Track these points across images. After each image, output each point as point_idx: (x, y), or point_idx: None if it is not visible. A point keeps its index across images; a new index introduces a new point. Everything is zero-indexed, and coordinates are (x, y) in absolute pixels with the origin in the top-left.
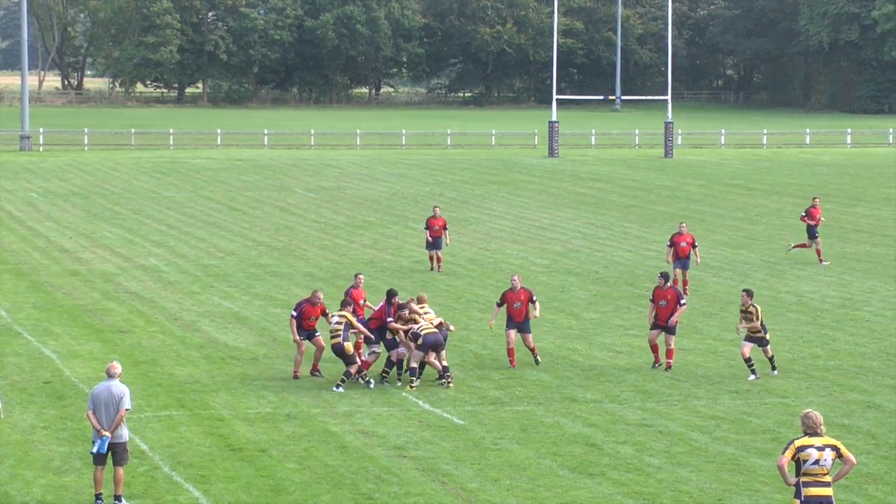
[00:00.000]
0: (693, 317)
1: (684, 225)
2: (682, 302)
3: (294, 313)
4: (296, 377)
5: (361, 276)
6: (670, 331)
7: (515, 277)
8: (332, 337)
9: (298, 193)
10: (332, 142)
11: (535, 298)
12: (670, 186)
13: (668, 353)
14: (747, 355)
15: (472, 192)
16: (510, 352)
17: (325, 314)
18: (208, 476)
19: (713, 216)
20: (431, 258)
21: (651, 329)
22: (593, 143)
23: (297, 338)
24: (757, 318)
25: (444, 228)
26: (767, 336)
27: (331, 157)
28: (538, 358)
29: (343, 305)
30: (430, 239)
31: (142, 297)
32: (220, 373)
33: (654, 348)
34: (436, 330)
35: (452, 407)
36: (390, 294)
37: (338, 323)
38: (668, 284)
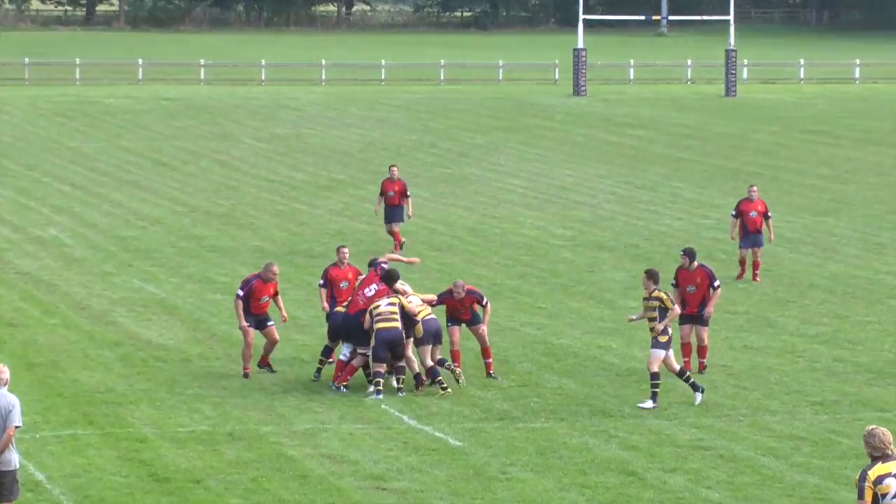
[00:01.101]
0: (764, 306)
1: (755, 189)
2: (716, 285)
3: (240, 292)
4: (246, 375)
5: (346, 249)
6: (702, 322)
7: (459, 283)
8: (384, 320)
9: (245, 143)
10: (288, 76)
11: (485, 302)
12: (733, 134)
13: (700, 352)
14: (655, 368)
15: (473, 142)
16: (454, 355)
17: (276, 295)
18: None
19: (789, 173)
20: (392, 234)
21: (680, 323)
22: (632, 77)
23: (244, 324)
24: (663, 308)
25: (404, 195)
26: (665, 336)
27: (287, 96)
28: (490, 364)
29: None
30: (381, 209)
31: (38, 279)
32: (141, 379)
33: (687, 349)
34: (434, 316)
35: (447, 424)
36: (390, 277)
37: (390, 305)
38: (696, 264)
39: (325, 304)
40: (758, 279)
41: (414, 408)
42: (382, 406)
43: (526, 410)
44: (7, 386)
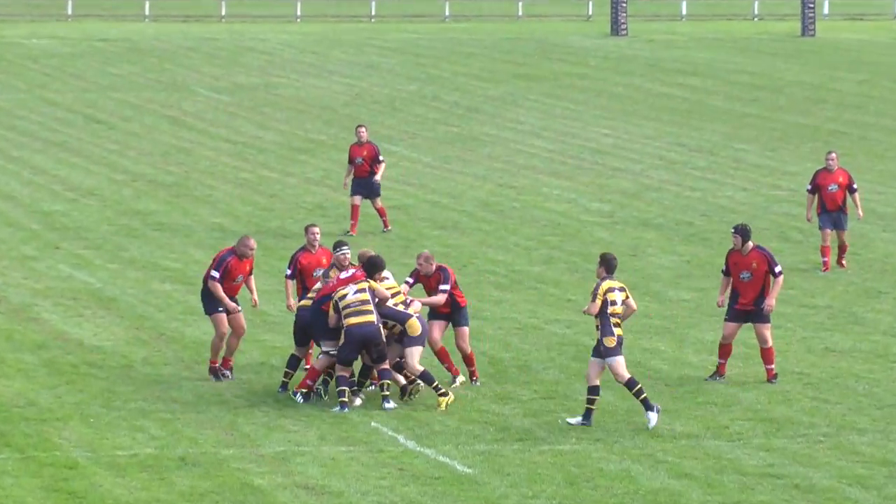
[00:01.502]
0: (851, 298)
1: (834, 156)
2: (777, 271)
3: (215, 273)
4: (212, 371)
5: (317, 229)
6: (761, 319)
7: (424, 254)
8: (355, 314)
9: (200, 95)
10: (254, 10)
11: (444, 287)
12: (811, 83)
13: (765, 356)
14: (626, 375)
15: (486, 94)
16: (441, 355)
17: (249, 274)
18: None
19: (881, 132)
20: (355, 210)
21: (727, 320)
22: (684, 12)
23: (230, 304)
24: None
25: (376, 161)
26: (612, 339)
27: (253, 36)
28: (475, 373)
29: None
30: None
31: None
32: (72, 390)
33: (726, 351)
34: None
35: (453, 445)
36: (373, 264)
37: (359, 293)
38: (750, 244)
39: (291, 302)
40: (844, 264)
41: (412, 425)
42: (372, 423)
43: (552, 429)
44: None
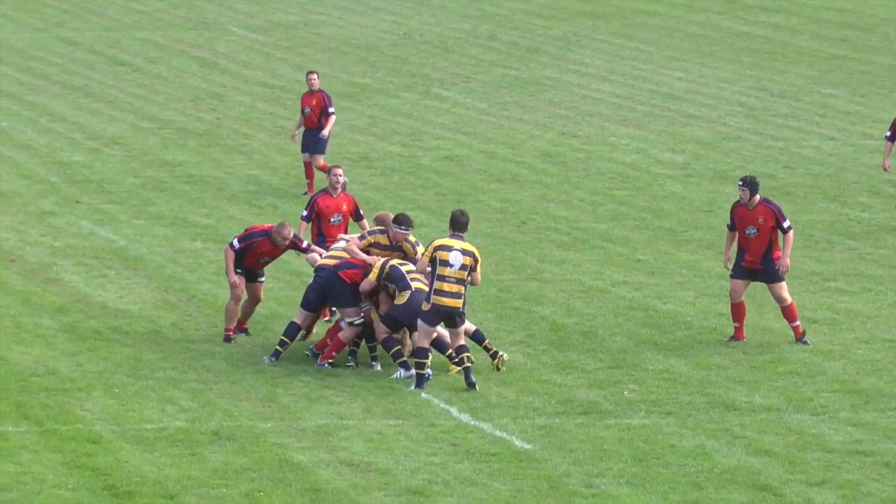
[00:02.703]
0: None
1: None
2: (786, 226)
3: (236, 243)
4: (228, 339)
5: (340, 171)
6: (771, 278)
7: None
8: (417, 280)
9: (233, 34)
10: None
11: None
12: None
13: (787, 314)
14: (421, 342)
15: (548, 33)
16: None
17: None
18: None
19: None
20: (308, 167)
21: (733, 276)
22: None
23: (234, 278)
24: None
25: (325, 113)
26: (426, 305)
27: None
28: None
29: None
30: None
31: None
32: (95, 357)
33: (739, 312)
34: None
35: (511, 419)
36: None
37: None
38: (758, 198)
39: (304, 248)
40: None
41: (466, 397)
42: (423, 395)
43: (619, 401)
44: None
